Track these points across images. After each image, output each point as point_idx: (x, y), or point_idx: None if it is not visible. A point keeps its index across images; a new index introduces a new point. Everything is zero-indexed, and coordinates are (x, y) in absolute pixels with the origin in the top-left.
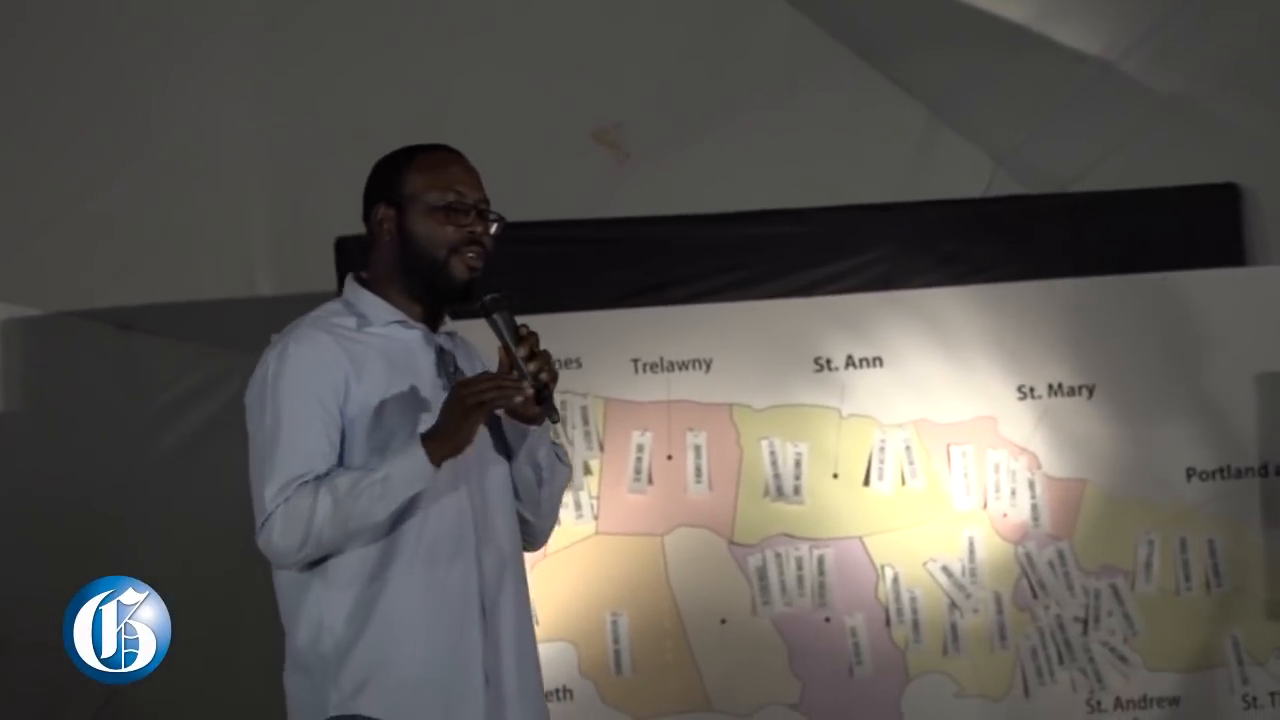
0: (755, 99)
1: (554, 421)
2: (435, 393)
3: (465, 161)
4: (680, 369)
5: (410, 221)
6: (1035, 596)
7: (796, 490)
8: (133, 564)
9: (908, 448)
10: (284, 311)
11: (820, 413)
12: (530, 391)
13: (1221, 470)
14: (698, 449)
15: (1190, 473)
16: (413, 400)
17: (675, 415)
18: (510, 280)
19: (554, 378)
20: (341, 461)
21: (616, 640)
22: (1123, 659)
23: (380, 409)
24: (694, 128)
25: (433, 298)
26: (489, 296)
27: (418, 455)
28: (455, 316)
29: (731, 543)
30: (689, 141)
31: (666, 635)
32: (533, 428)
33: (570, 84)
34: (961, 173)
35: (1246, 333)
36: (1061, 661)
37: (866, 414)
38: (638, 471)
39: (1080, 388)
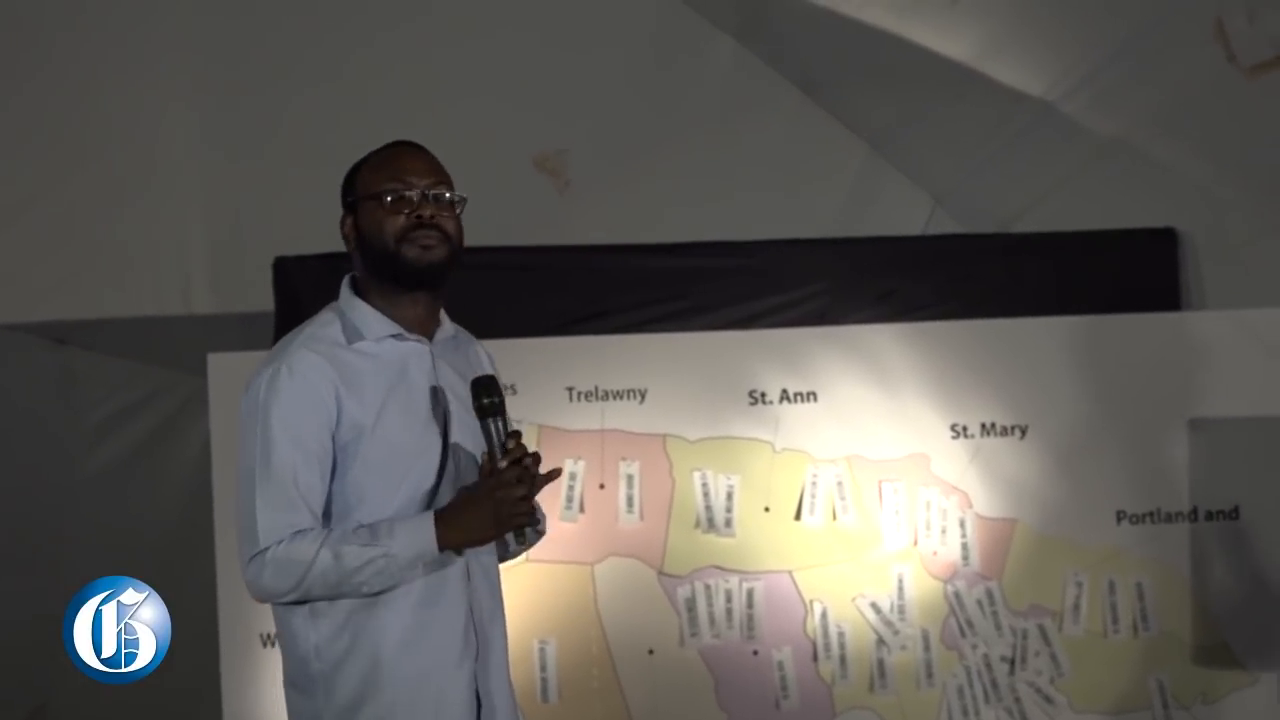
0: (697, 131)
1: (520, 541)
2: (435, 402)
3: (415, 149)
4: (615, 398)
5: (362, 221)
6: (963, 635)
7: (728, 523)
8: (69, 575)
9: (840, 483)
10: (221, 329)
11: (753, 446)
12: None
13: (1152, 514)
14: (630, 479)
15: (1120, 515)
16: (410, 416)
17: (608, 444)
18: (448, 304)
19: (532, 490)
20: (333, 485)
21: (544, 668)
22: (1049, 700)
23: (376, 428)
24: (635, 157)
25: (402, 288)
26: (486, 400)
27: (426, 537)
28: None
29: (661, 573)
30: (630, 171)
31: (594, 664)
32: None
33: (513, 111)
34: (900, 210)
35: (1180, 377)
36: (988, 700)
37: (799, 448)
38: (569, 500)
39: (1013, 428)
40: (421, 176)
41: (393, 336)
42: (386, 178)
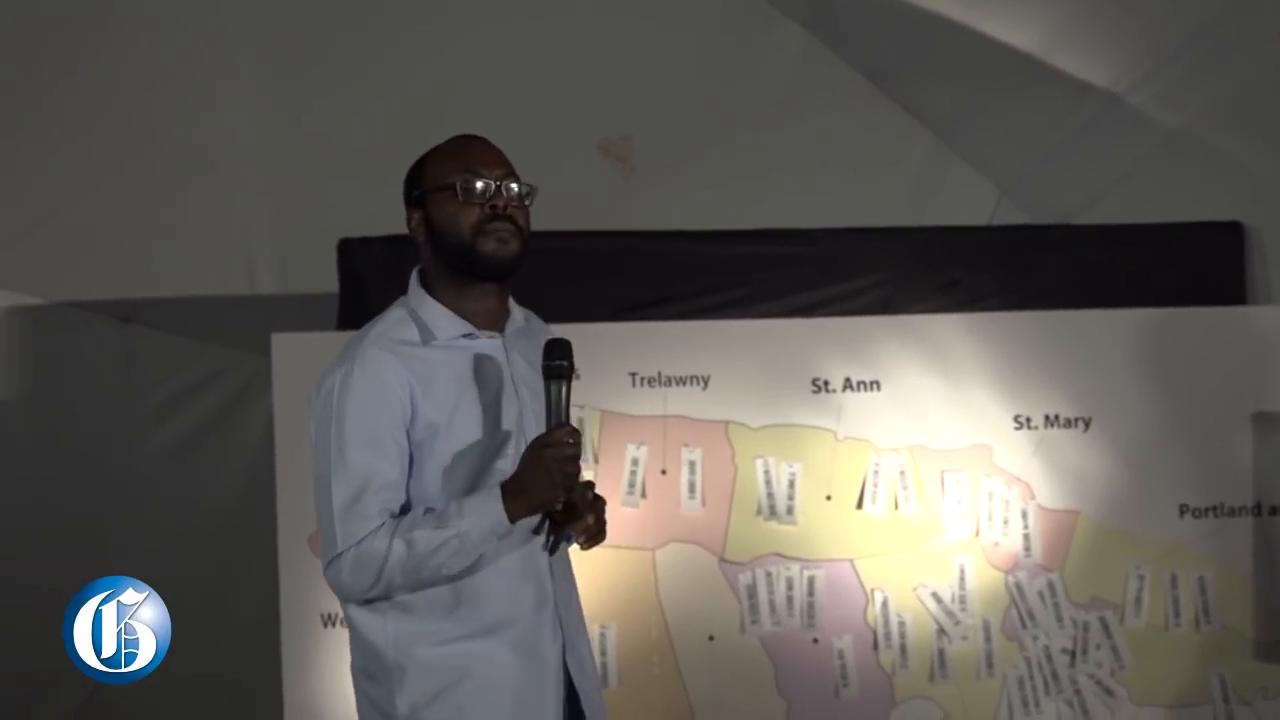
0: (763, 118)
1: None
2: (509, 398)
3: (482, 141)
4: (678, 384)
5: (433, 215)
6: (1024, 626)
7: (789, 510)
8: (128, 556)
9: (902, 472)
10: (284, 310)
11: (816, 434)
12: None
13: (1215, 508)
14: (692, 465)
15: (1184, 509)
16: (484, 413)
17: (671, 430)
18: (512, 288)
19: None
20: (409, 482)
21: (604, 652)
22: (1109, 692)
23: (450, 426)
24: (700, 144)
25: (479, 281)
26: (559, 361)
27: (495, 511)
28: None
29: (722, 560)
30: (695, 157)
31: (654, 649)
32: None
33: (578, 94)
34: (966, 200)
35: (1245, 371)
36: (1048, 692)
37: (862, 437)
38: (631, 485)
39: (1077, 420)
40: (492, 168)
41: (465, 336)
42: (458, 169)
